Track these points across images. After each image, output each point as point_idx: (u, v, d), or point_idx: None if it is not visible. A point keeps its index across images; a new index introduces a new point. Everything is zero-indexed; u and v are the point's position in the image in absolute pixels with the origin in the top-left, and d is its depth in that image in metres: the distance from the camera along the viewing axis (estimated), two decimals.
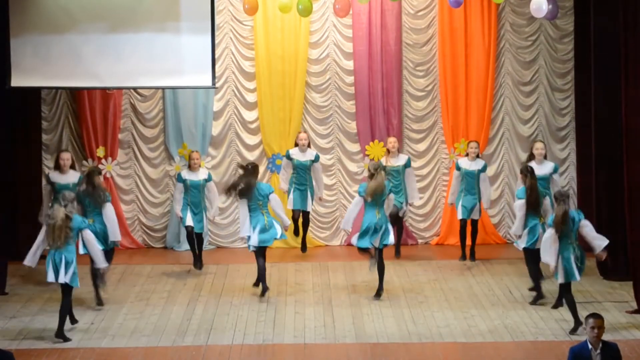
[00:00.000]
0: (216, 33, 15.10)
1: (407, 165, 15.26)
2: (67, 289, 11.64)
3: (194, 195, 14.39)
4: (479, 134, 16.38)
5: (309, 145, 15.26)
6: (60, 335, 11.53)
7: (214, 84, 14.73)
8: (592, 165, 14.31)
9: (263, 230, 13.14)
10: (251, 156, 16.31)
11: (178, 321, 12.29)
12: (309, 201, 15.20)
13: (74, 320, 12.09)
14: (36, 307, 12.96)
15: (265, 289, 13.24)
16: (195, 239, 14.57)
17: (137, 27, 14.40)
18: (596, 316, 8.69)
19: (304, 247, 15.60)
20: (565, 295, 11.88)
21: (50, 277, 11.53)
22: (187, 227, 14.53)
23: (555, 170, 14.16)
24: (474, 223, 15.13)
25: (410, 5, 16.35)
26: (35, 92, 15.59)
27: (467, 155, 15.28)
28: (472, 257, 15.11)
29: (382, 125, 16.35)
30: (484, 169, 15.07)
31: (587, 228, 11.85)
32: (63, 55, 14.35)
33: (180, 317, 12.45)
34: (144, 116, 16.42)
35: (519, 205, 12.79)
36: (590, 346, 8.62)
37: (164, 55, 14.42)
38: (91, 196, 12.93)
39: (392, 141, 15.30)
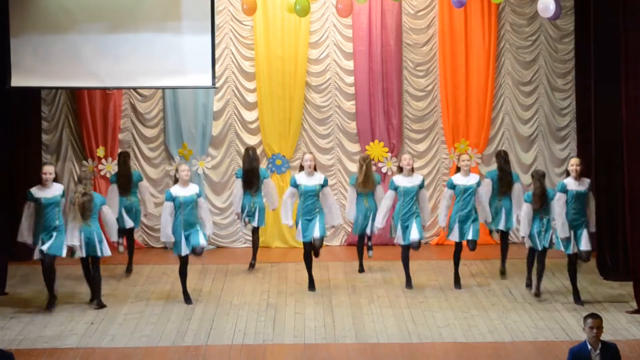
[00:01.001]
0: (216, 33, 15.10)
1: (422, 186, 13.63)
2: (97, 260, 12.86)
3: (188, 213, 12.90)
4: (479, 134, 16.39)
5: (315, 168, 13.62)
6: (100, 302, 12.88)
7: (214, 84, 14.73)
8: (592, 165, 14.30)
9: (249, 213, 14.69)
10: None
11: (178, 321, 12.30)
12: (318, 227, 13.38)
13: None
14: (36, 307, 12.95)
15: (251, 264, 14.88)
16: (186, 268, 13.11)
17: (137, 27, 14.39)
18: (595, 316, 8.68)
19: (311, 285, 13.67)
20: (537, 263, 13.22)
21: (82, 253, 12.77)
22: (182, 258, 12.99)
23: (591, 188, 13.00)
24: (471, 244, 13.54)
25: (410, 5, 16.35)
26: (35, 92, 15.59)
27: (458, 170, 13.70)
28: (458, 284, 13.64)
29: (382, 125, 16.35)
30: (479, 184, 13.60)
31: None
32: (63, 55, 14.34)
33: (180, 317, 12.45)
34: (144, 116, 16.42)
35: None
36: (589, 346, 8.61)
37: (164, 55, 14.41)
38: (128, 176, 14.49)
39: (407, 159, 13.64)
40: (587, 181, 12.95)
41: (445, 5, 15.94)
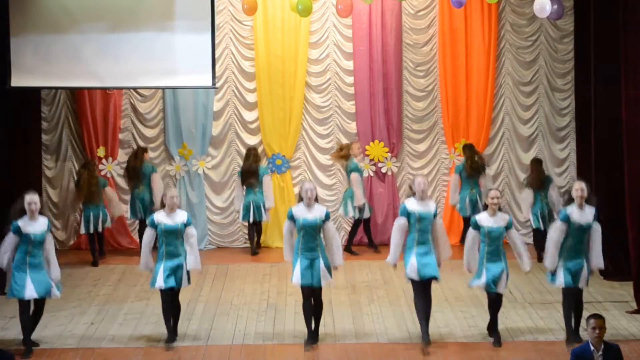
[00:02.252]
0: (216, 33, 15.09)
1: (436, 213, 11.58)
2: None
3: (171, 243, 11.38)
4: (479, 134, 16.39)
5: (316, 199, 11.56)
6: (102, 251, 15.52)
7: (214, 84, 14.72)
8: (592, 165, 14.30)
9: (249, 208, 15.57)
10: None
11: (178, 321, 12.27)
12: (323, 273, 11.44)
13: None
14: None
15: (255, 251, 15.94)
16: (171, 304, 11.50)
17: (137, 27, 14.38)
18: (597, 317, 8.69)
19: (313, 339, 11.49)
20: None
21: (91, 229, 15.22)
22: (162, 293, 11.42)
23: (597, 217, 11.43)
24: (499, 297, 11.52)
25: (411, 5, 16.35)
26: (35, 92, 15.58)
27: (485, 207, 11.59)
28: (497, 340, 11.43)
29: (382, 125, 16.34)
30: (509, 225, 11.49)
31: (555, 191, 15.14)
32: (63, 55, 14.33)
33: (180, 317, 12.42)
34: (144, 116, 16.42)
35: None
36: (592, 347, 8.62)
37: (164, 55, 14.40)
38: (138, 170, 15.58)
39: (421, 183, 11.49)
40: (590, 211, 11.37)
41: (445, 5, 15.93)
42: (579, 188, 11.32)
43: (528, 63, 16.48)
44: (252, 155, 15.72)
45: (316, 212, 11.42)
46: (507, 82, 16.53)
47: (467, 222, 14.38)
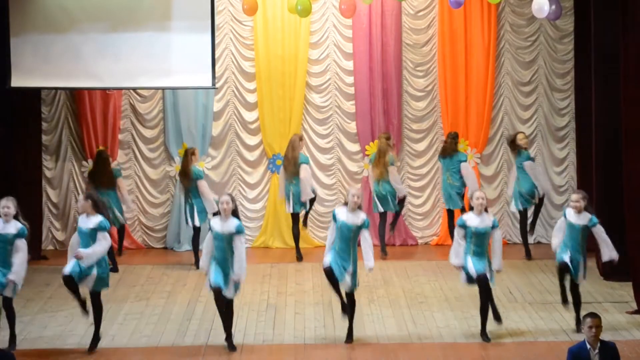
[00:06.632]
0: (216, 33, 15.10)
1: (366, 225, 11.45)
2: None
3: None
4: (479, 133, 16.40)
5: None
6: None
7: (214, 84, 14.73)
8: (592, 165, 14.31)
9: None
10: (251, 156, 16.36)
11: (178, 321, 12.31)
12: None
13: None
14: (36, 307, 12.96)
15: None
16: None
17: (137, 27, 14.40)
18: (593, 315, 8.73)
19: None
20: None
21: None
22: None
23: (594, 223, 11.80)
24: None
25: (410, 5, 16.36)
26: (35, 92, 15.59)
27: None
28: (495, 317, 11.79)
29: (381, 125, 16.35)
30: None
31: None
32: (63, 56, 14.35)
33: (180, 317, 12.46)
34: (144, 117, 16.42)
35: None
36: (588, 346, 8.66)
37: (164, 56, 14.42)
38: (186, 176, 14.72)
39: (354, 195, 11.52)
40: (587, 216, 11.73)
41: (445, 5, 15.93)
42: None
43: (527, 63, 16.49)
44: (290, 144, 15.34)
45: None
46: (506, 82, 16.53)
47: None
